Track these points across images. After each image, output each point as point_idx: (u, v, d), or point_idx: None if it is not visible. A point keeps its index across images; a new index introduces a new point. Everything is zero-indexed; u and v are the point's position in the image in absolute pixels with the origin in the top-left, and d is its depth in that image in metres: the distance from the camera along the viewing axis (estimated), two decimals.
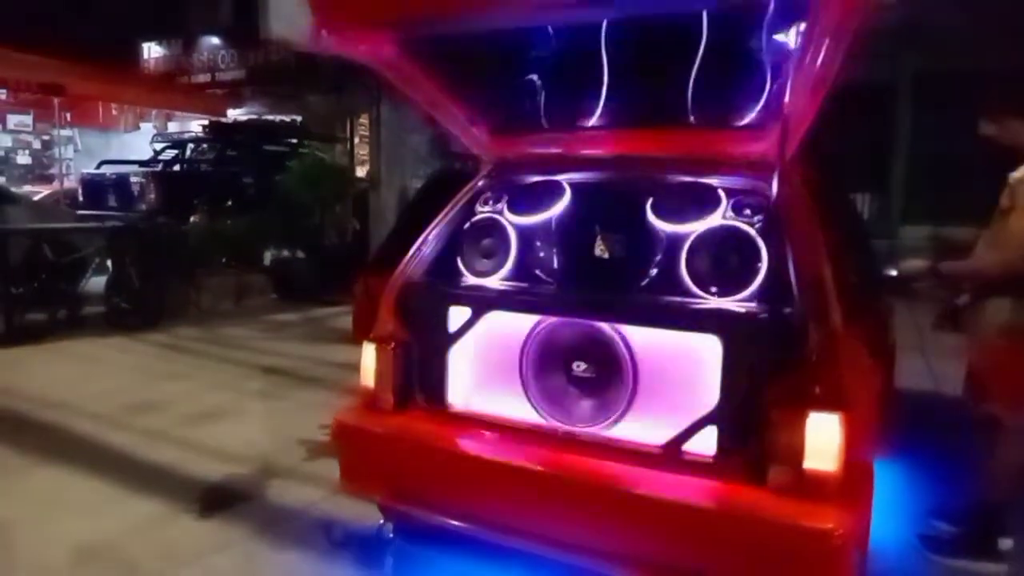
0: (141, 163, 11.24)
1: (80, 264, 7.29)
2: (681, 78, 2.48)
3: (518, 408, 2.50)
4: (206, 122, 13.00)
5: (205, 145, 11.67)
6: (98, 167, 11.38)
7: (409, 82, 2.59)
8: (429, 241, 2.80)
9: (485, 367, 2.61)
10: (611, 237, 2.58)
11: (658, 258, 2.47)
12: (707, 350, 2.18)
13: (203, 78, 15.72)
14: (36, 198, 12.88)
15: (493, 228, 2.72)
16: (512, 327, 2.50)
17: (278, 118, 15.22)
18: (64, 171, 14.55)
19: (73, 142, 17.16)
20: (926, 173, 10.49)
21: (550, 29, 2.49)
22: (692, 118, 2.53)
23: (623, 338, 2.33)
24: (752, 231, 2.31)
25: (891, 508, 2.60)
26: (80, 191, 11.04)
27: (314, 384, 5.44)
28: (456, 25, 2.17)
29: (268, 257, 9.81)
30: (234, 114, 15.55)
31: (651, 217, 2.48)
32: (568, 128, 2.78)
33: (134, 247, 7.56)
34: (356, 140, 12.28)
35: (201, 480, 3.67)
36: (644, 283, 2.46)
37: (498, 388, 2.56)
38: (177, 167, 11.28)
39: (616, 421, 2.36)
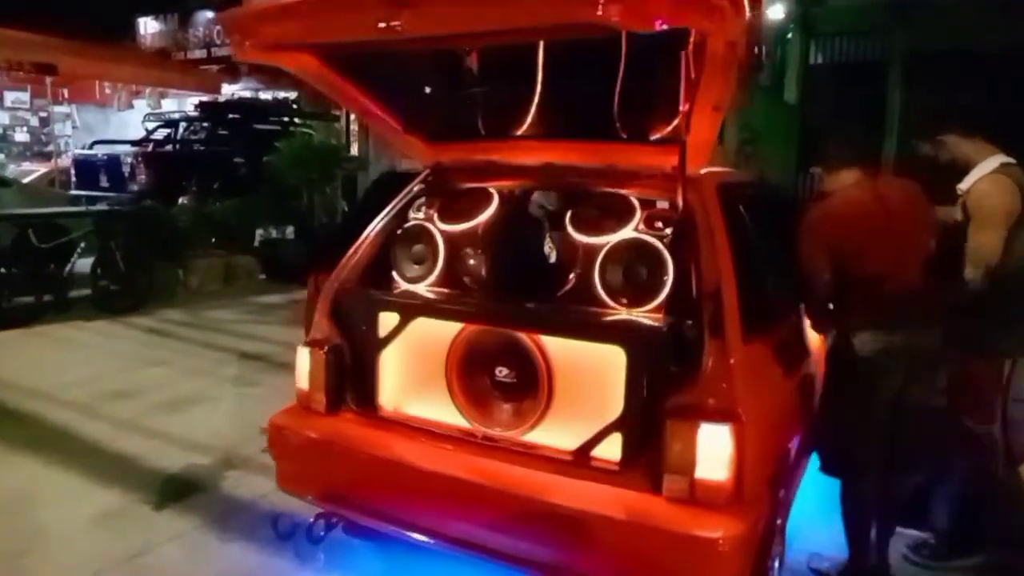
0: (133, 143, 11.30)
1: (66, 248, 7.39)
2: (606, 92, 2.53)
3: (444, 412, 2.60)
4: (197, 101, 13.01)
5: (196, 124, 11.69)
6: (91, 147, 11.45)
7: (338, 92, 2.64)
8: (363, 246, 2.87)
9: (413, 372, 2.70)
10: (533, 246, 2.64)
11: (576, 268, 2.54)
12: (613, 360, 2.26)
13: (199, 54, 15.70)
14: (32, 177, 13.03)
15: (423, 235, 2.79)
16: (438, 333, 2.59)
17: (273, 95, 15.23)
18: (63, 148, 14.67)
19: (71, 119, 17.26)
20: (917, 154, 10.42)
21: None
22: (616, 131, 2.57)
23: (539, 347, 2.41)
24: (659, 244, 2.37)
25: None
26: (72, 171, 11.11)
27: (288, 370, 5.48)
28: (360, 48, 2.22)
29: (258, 238, 9.91)
30: (230, 91, 15.56)
31: (570, 227, 2.54)
32: (498, 136, 2.82)
33: (120, 230, 7.65)
34: (352, 118, 12.24)
35: (163, 471, 3.79)
36: (562, 293, 2.53)
37: (425, 392, 2.65)
38: (169, 147, 11.33)
39: (533, 426, 2.45)
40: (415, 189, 2.92)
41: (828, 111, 10.17)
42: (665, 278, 2.34)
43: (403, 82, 2.68)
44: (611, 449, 2.30)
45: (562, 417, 2.41)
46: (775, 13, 10.53)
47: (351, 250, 2.89)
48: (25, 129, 16.31)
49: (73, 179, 11.04)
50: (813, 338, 3.00)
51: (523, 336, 2.42)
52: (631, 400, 2.25)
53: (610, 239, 2.44)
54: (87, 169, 10.83)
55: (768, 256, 2.87)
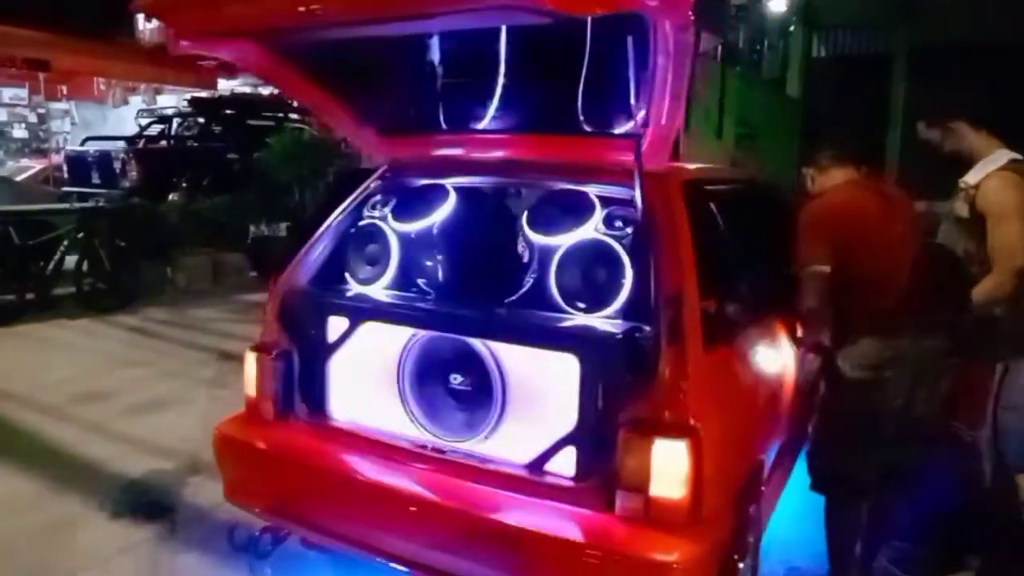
0: (126, 139, 11.20)
1: (50, 245, 7.28)
2: (567, 84, 2.39)
3: (397, 422, 2.46)
4: (190, 96, 12.90)
5: (189, 120, 11.58)
6: (83, 143, 11.36)
7: (286, 83, 2.51)
8: (315, 246, 2.74)
9: (364, 378, 2.56)
10: (490, 247, 2.50)
11: (533, 270, 2.40)
12: (567, 369, 2.12)
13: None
14: (28, 174, 12.98)
15: (376, 234, 2.65)
16: (389, 339, 2.45)
17: (271, 90, 15.10)
18: (61, 145, 14.60)
19: (69, 115, 17.19)
20: (921, 147, 10.23)
21: (432, 32, 2.39)
22: (576, 124, 2.43)
23: (492, 354, 2.27)
24: (617, 244, 2.23)
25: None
26: (65, 168, 11.03)
27: None
28: (303, 36, 2.08)
29: (251, 235, 9.80)
30: (228, 86, 15.45)
31: (527, 227, 2.40)
32: (455, 130, 2.68)
33: (105, 227, 7.55)
34: None
35: (124, 476, 3.68)
36: (517, 297, 2.39)
37: (377, 400, 2.52)
38: (163, 143, 11.23)
39: (487, 436, 2.31)
40: (371, 186, 2.79)
41: (831, 105, 10.00)
42: (623, 281, 2.19)
43: (357, 73, 2.54)
44: (565, 463, 2.16)
45: (516, 428, 2.28)
46: (777, 5, 10.35)
47: (302, 250, 2.76)
48: (23, 126, 16.20)
49: (65, 175, 10.95)
50: (792, 346, 2.85)
51: (476, 343, 2.28)
52: (585, 411, 2.10)
53: (566, 239, 2.30)
54: (79, 166, 10.73)
55: (744, 258, 2.72)
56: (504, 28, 2.26)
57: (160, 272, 8.36)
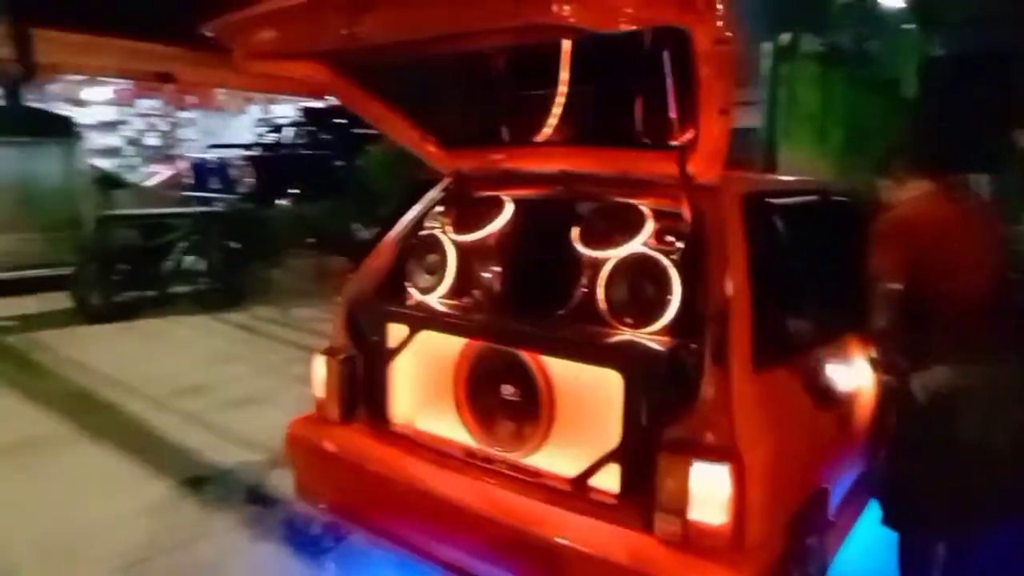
0: (245, 147, 11.96)
1: (168, 247, 7.88)
2: (620, 95, 2.38)
3: (451, 429, 2.52)
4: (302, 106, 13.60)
5: (301, 129, 12.21)
6: (205, 151, 12.21)
7: (352, 99, 2.61)
8: (381, 255, 2.84)
9: (422, 385, 2.63)
10: (542, 259, 2.52)
11: (582, 284, 2.39)
12: (612, 385, 2.10)
13: None
14: (156, 179, 14.06)
15: (435, 245, 2.72)
16: (446, 347, 2.51)
17: None
18: (187, 152, 15.74)
19: (196, 124, 18.51)
20: None
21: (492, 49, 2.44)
22: (629, 136, 2.41)
23: (541, 367, 2.28)
24: (665, 260, 2.18)
25: None
26: (188, 174, 11.89)
27: None
28: (363, 55, 2.17)
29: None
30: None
31: (578, 240, 2.40)
32: (515, 143, 2.71)
33: (218, 231, 8.09)
34: None
35: (216, 466, 3.94)
36: (566, 310, 2.39)
37: (434, 407, 2.58)
38: (276, 150, 11.91)
39: (535, 449, 2.33)
40: (434, 197, 2.86)
41: (949, 107, 9.31)
42: (670, 297, 2.15)
43: (418, 88, 2.62)
44: (609, 480, 2.14)
45: (563, 442, 2.28)
46: (890, 1, 9.76)
47: (369, 259, 2.86)
48: (156, 134, 17.59)
49: (189, 181, 11.81)
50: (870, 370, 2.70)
51: (525, 356, 2.30)
52: (629, 429, 2.08)
53: (615, 253, 2.28)
54: (201, 172, 11.56)
55: (815, 274, 2.60)
56: (561, 43, 2.27)
57: (268, 273, 8.87)
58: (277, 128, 12.81)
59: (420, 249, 2.76)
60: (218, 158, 11.46)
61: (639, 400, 2.05)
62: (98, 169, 9.01)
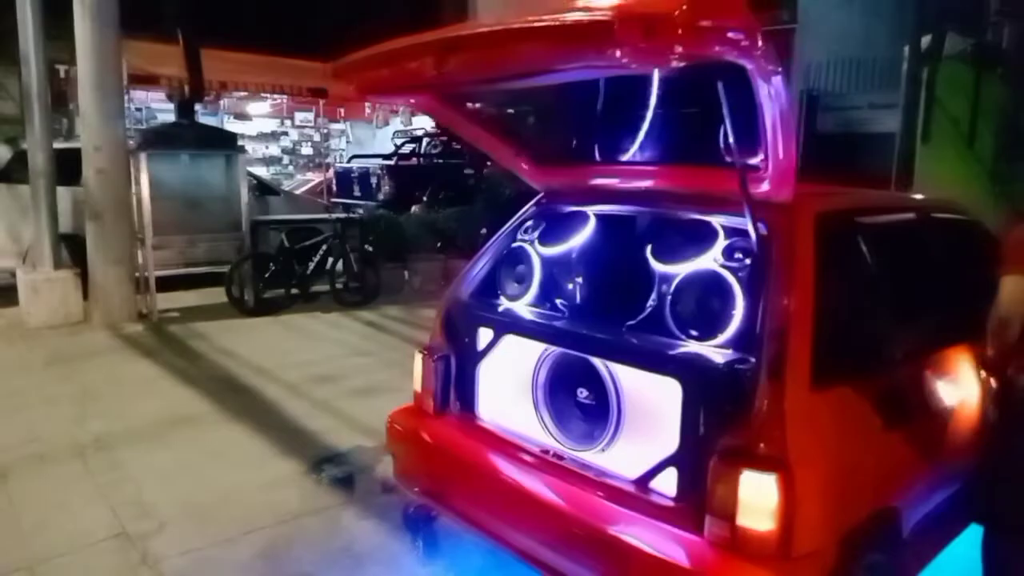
0: (383, 157, 12.77)
1: (312, 249, 8.61)
2: (696, 117, 2.49)
3: (529, 426, 2.72)
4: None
5: (435, 139, 12.86)
6: (349, 160, 13.13)
7: (455, 123, 2.88)
8: (478, 263, 3.08)
9: (505, 384, 2.84)
10: (616, 272, 2.66)
11: (653, 297, 2.51)
12: (672, 393, 2.22)
13: None
14: (308, 186, 15.24)
15: (524, 256, 2.93)
16: (527, 351, 2.71)
17: None
18: (337, 161, 16.97)
19: (345, 135, 19.86)
20: None
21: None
22: (706, 156, 2.50)
23: (611, 373, 2.43)
24: (729, 276, 2.27)
25: None
26: (334, 181, 12.85)
27: None
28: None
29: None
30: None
31: (652, 254, 2.52)
32: (602, 161, 2.87)
33: (356, 235, 8.75)
34: None
35: (334, 448, 4.36)
36: (637, 321, 2.51)
37: (515, 405, 2.79)
38: (413, 160, 12.63)
39: (603, 448, 2.48)
40: (527, 211, 3.07)
41: None
42: (733, 312, 2.23)
43: (512, 110, 2.85)
44: (667, 484, 2.26)
45: (629, 444, 2.41)
46: None
47: (468, 265, 3.12)
48: (309, 144, 19.06)
49: (334, 188, 12.75)
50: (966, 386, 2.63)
51: (597, 362, 2.46)
52: (686, 435, 2.19)
53: (684, 269, 2.39)
54: (344, 180, 12.45)
55: (897, 293, 2.57)
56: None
57: (399, 274, 9.46)
58: (414, 139, 13.55)
59: (511, 259, 2.98)
60: (359, 167, 12.31)
61: (696, 408, 2.16)
62: (254, 177, 9.96)
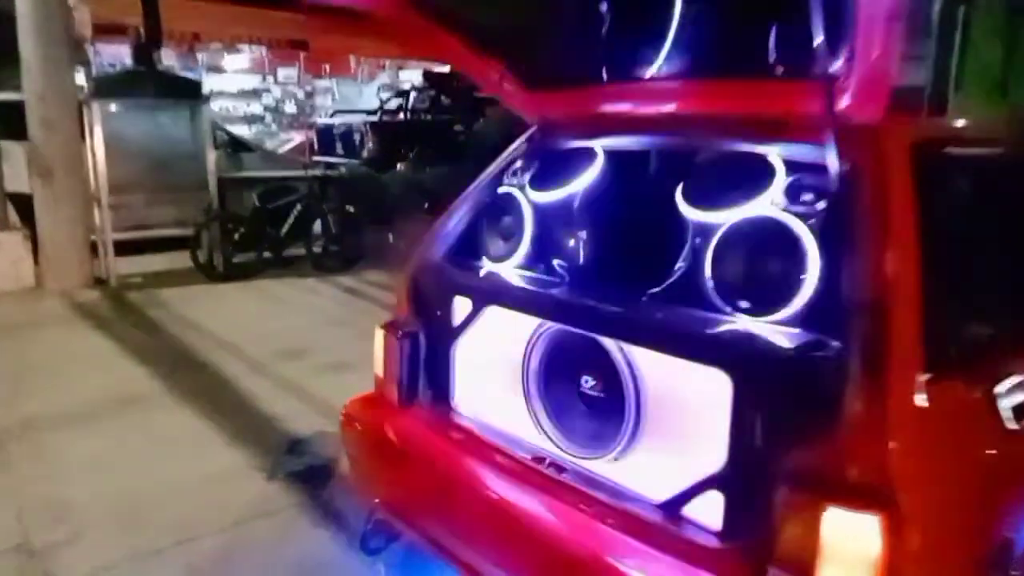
0: (367, 112, 11.99)
1: (286, 209, 7.90)
2: (755, 14, 1.83)
3: (519, 421, 2.10)
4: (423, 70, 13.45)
5: (424, 94, 12.08)
6: (331, 116, 12.35)
7: (423, 34, 2.20)
8: (452, 216, 2.44)
9: (488, 369, 2.22)
10: (637, 224, 2.01)
11: (684, 255, 1.86)
12: (717, 389, 1.60)
13: None
14: (291, 145, 14.46)
15: (511, 205, 2.27)
16: (515, 327, 2.08)
17: None
18: (317, 118, 16.13)
19: (331, 92, 18.98)
20: None
21: None
22: (755, 65, 1.85)
23: (627, 358, 1.81)
24: (800, 225, 1.62)
25: None
26: (315, 139, 12.08)
27: None
28: None
29: None
30: None
31: (682, 199, 1.87)
32: (611, 81, 2.19)
33: (335, 195, 8.06)
34: None
35: (296, 435, 3.75)
36: (662, 288, 1.87)
37: (500, 395, 2.17)
38: (399, 116, 11.85)
39: (616, 457, 1.86)
40: (515, 150, 2.41)
41: None
42: (803, 277, 1.59)
43: (497, 17, 2.17)
44: (709, 512, 1.64)
45: (651, 453, 1.80)
46: None
47: (439, 221, 2.47)
48: (293, 101, 18.19)
49: (316, 146, 12.00)
50: None
51: (609, 344, 1.83)
52: (737, 449, 1.57)
53: (730, 217, 1.74)
54: (326, 137, 11.69)
55: (1016, 255, 1.94)
56: None
57: (383, 237, 8.79)
58: (401, 93, 12.74)
59: (495, 210, 2.32)
60: (342, 124, 11.53)
61: (752, 413, 1.53)
62: (226, 132, 9.22)
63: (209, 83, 17.86)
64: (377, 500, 2.34)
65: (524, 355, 2.07)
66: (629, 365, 1.81)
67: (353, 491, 2.47)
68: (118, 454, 3.53)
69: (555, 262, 2.15)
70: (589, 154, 2.17)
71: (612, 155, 2.15)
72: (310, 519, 2.99)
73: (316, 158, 11.45)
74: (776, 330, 1.60)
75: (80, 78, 7.49)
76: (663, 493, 1.74)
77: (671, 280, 1.86)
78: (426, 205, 9.41)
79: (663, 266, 1.91)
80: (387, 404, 2.39)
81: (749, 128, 1.82)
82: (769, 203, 1.71)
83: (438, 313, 2.30)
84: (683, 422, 1.73)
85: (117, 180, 7.21)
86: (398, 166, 9.79)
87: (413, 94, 12.39)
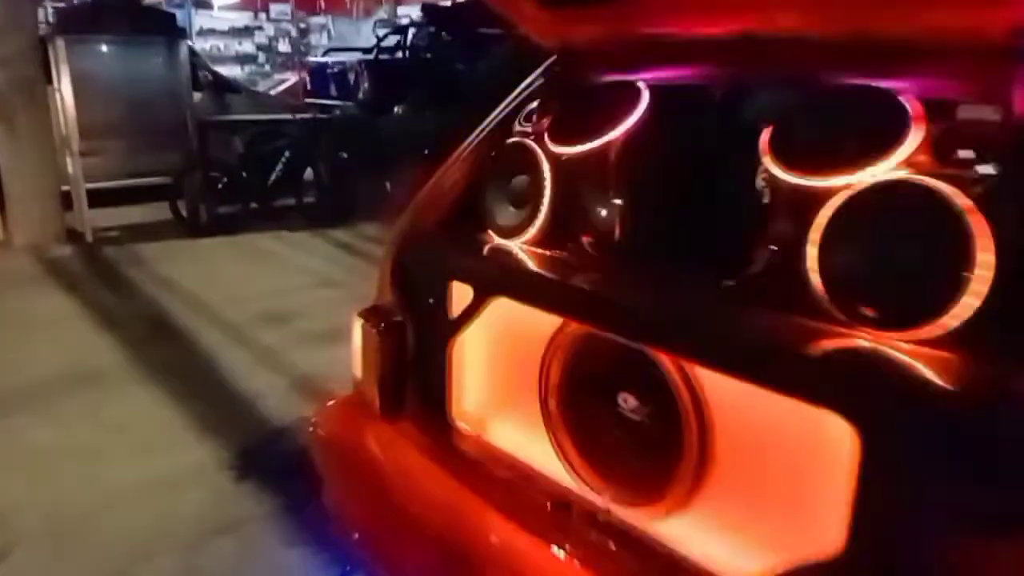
0: (363, 51, 11.23)
1: (275, 156, 7.30)
2: None
3: (536, 448, 1.60)
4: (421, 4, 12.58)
5: (423, 31, 11.29)
6: (324, 55, 11.59)
7: None
8: (447, 174, 1.89)
9: (496, 378, 1.72)
10: (696, 188, 1.46)
11: (776, 235, 1.32)
12: (834, 439, 1.08)
13: None
14: (284, 86, 13.73)
15: (525, 160, 1.71)
16: (531, 324, 1.56)
17: None
18: (310, 58, 15.31)
19: (327, 29, 18.08)
20: None
21: None
22: None
23: (688, 380, 1.29)
24: (959, 197, 1.07)
25: None
26: (307, 80, 11.35)
27: None
28: None
29: None
30: None
31: (771, 157, 1.31)
32: None
33: (327, 140, 7.45)
34: None
35: (272, 423, 3.29)
36: (741, 280, 1.34)
37: (512, 412, 1.67)
38: (398, 54, 11.07)
39: (671, 510, 1.37)
40: (528, 88, 1.85)
41: None
42: (966, 273, 1.06)
43: None
44: None
45: (723, 509, 1.30)
46: None
47: (432, 179, 1.93)
48: (287, 40, 17.32)
49: (308, 87, 11.27)
50: None
51: (663, 359, 1.31)
52: (866, 530, 1.06)
53: (847, 181, 1.19)
54: (320, 77, 10.96)
55: None
56: None
57: (379, 187, 8.20)
58: (399, 30, 11.92)
59: (503, 166, 1.77)
60: (335, 63, 10.79)
61: (895, 478, 1.02)
62: (210, 72, 8.54)
63: (198, 21, 17.04)
64: (356, 536, 1.86)
65: (542, 362, 1.56)
66: (690, 388, 1.30)
67: (330, 516, 2.00)
68: (66, 447, 3.07)
69: (584, 239, 1.61)
70: (630, 91, 1.60)
71: (662, 92, 1.58)
72: (279, 536, 2.52)
73: (309, 100, 10.78)
74: (925, 354, 1.07)
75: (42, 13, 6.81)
76: (740, 569, 1.24)
77: (753, 269, 1.32)
78: (426, 151, 8.81)
79: (739, 249, 1.37)
80: (367, 413, 1.89)
81: (873, 51, 1.25)
82: (906, 163, 1.16)
83: (430, 301, 1.78)
84: (773, 472, 1.23)
85: (88, 125, 6.64)
86: (395, 109, 9.12)
87: (411, 30, 11.58)
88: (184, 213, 6.76)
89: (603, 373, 1.48)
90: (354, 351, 1.95)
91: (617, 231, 1.57)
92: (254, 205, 7.14)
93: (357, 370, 1.95)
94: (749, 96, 1.54)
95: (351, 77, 10.24)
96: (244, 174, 7.00)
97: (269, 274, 5.72)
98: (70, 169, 6.57)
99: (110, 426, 3.24)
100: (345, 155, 7.48)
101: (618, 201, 1.57)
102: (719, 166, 1.47)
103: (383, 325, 1.84)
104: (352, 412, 1.94)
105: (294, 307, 4.84)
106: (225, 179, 6.92)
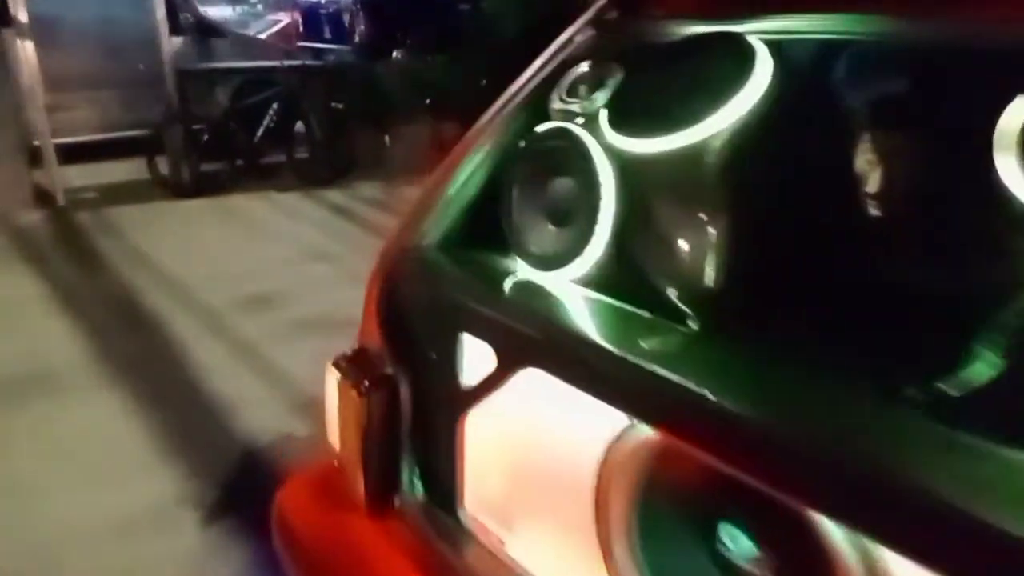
0: None
1: (262, 108, 6.66)
2: None
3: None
4: None
5: None
6: None
7: None
8: (456, 169, 1.32)
9: (528, 473, 1.19)
10: (865, 207, 0.90)
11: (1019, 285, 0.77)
12: None
13: None
14: (276, 28, 12.86)
15: (572, 155, 1.13)
16: (581, 415, 1.02)
17: None
18: None
19: None
20: None
21: None
22: None
23: (858, 548, 0.76)
24: None
25: None
26: (300, 22, 10.57)
27: None
28: None
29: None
30: None
31: (1008, 163, 0.75)
32: None
33: (319, 90, 6.80)
34: None
35: (250, 441, 2.80)
36: (966, 384, 0.79)
37: (551, 529, 1.15)
38: None
39: None
40: (570, 43, 1.27)
41: None
42: None
43: None
44: None
45: None
46: None
47: (434, 175, 1.37)
48: None
49: (301, 30, 10.51)
50: None
51: (824, 524, 0.77)
52: None
53: None
54: (313, 19, 10.21)
55: None
56: None
57: (378, 141, 7.56)
58: None
59: (537, 163, 1.19)
60: (330, 3, 10.00)
61: None
62: (192, 15, 7.82)
63: None
64: None
65: (598, 474, 1.02)
66: (863, 560, 0.77)
67: None
68: (2, 479, 2.58)
69: (667, 283, 1.05)
70: (738, 50, 1.02)
71: (800, 50, 1.00)
72: None
73: (301, 44, 10.03)
74: None
75: None
76: None
77: (987, 365, 0.77)
78: (427, 101, 8.13)
79: (957, 318, 0.81)
80: (344, 501, 1.37)
81: None
82: None
83: (432, 355, 1.24)
84: None
85: (55, 73, 6.01)
86: (394, 53, 8.40)
87: None
88: (165, 171, 6.18)
89: (699, 507, 0.95)
90: (327, 411, 1.43)
91: (725, 273, 1.00)
92: (240, 162, 6.55)
93: (333, 439, 1.42)
94: (959, 65, 0.95)
95: (346, 18, 9.48)
96: (229, 127, 6.38)
97: (255, 245, 5.18)
98: (38, 125, 5.98)
99: (58, 447, 2.75)
100: (339, 106, 6.83)
101: (727, 225, 1.00)
102: (909, 167, 0.90)
103: (367, 384, 1.30)
104: (328, 498, 1.42)
105: (280, 287, 4.32)
106: (208, 133, 6.31)
